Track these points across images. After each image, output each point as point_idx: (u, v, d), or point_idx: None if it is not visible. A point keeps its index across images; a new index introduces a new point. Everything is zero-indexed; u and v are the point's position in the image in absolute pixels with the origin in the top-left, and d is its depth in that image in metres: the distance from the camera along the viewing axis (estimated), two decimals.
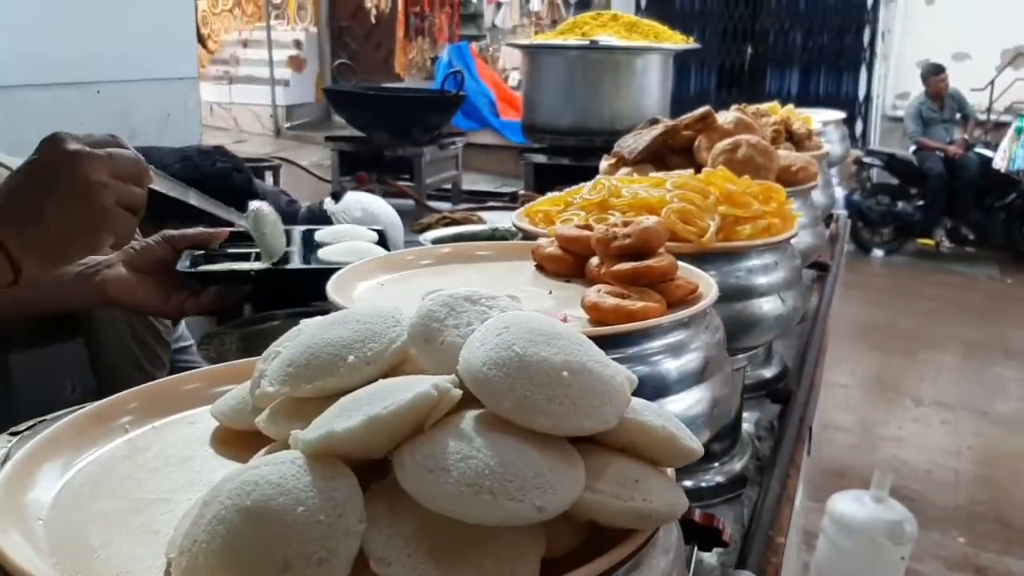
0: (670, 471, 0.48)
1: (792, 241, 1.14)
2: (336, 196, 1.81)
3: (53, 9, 2.01)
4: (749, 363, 1.44)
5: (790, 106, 2.08)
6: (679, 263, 0.85)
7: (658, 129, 1.46)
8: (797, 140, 1.70)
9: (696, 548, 0.89)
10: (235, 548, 0.37)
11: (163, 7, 2.28)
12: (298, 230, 1.35)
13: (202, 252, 1.21)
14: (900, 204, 8.09)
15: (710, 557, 0.98)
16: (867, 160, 8.30)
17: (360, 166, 2.84)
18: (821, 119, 2.36)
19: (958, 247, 8.13)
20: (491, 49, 10.65)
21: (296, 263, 1.23)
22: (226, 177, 1.76)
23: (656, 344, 0.76)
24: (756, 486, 1.11)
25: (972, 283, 7.48)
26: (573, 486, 0.40)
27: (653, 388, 0.75)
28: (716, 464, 1.16)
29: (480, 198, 2.98)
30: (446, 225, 2.06)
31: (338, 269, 0.86)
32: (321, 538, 0.37)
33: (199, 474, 0.52)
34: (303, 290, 1.18)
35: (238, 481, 0.40)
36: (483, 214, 2.32)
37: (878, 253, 8.15)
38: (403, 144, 2.80)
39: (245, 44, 12.15)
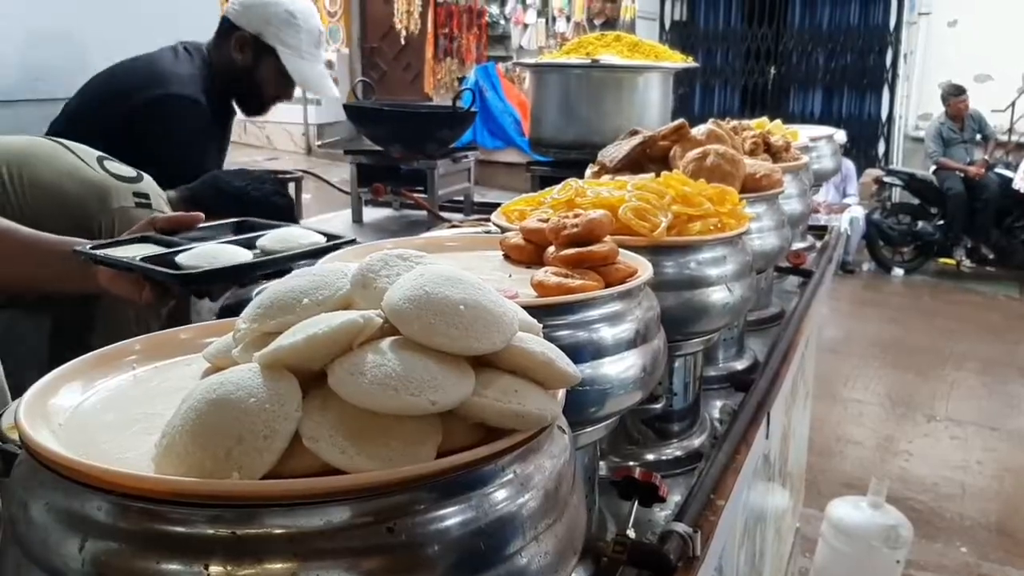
0: (559, 394, 0.60)
1: (745, 239, 1.25)
2: None
3: (81, 26, 2.16)
4: (721, 352, 1.56)
5: (778, 121, 2.20)
6: (621, 251, 0.97)
7: (637, 139, 1.58)
8: (774, 152, 1.82)
9: (637, 503, 1.01)
10: (202, 427, 0.50)
11: (189, 25, 2.43)
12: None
13: (114, 240, 1.30)
14: (920, 224, 8.14)
15: (659, 516, 1.09)
16: (887, 180, 8.37)
17: (377, 178, 2.98)
18: (812, 134, 2.47)
19: (979, 267, 8.15)
20: (517, 69, 10.82)
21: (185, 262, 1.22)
22: (271, 197, 1.94)
23: (594, 314, 0.88)
24: (708, 460, 1.22)
25: (991, 302, 7.50)
26: (462, 389, 0.52)
27: (591, 352, 0.87)
28: (675, 441, 1.27)
29: (491, 210, 3.10)
30: None
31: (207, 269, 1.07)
32: (267, 420, 0.50)
33: None
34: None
35: (207, 382, 0.52)
36: (490, 225, 2.45)
37: (898, 272, 8.19)
38: (418, 157, 2.94)
39: None
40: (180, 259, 1.20)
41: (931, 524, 3.79)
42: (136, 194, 1.65)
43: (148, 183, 1.71)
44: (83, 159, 1.66)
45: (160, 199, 1.72)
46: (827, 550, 3.09)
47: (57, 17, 2.47)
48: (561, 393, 0.60)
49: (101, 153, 1.73)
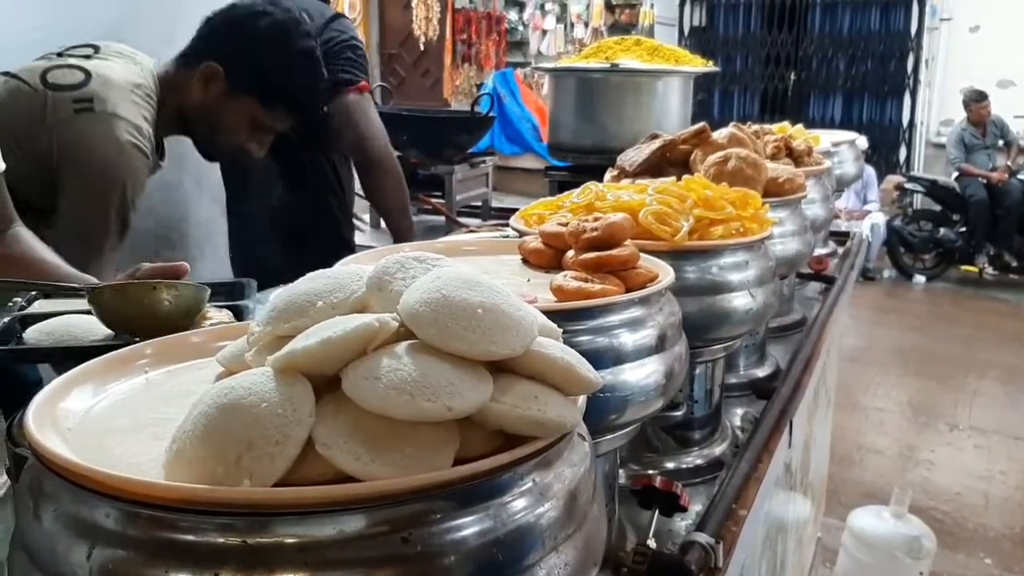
0: (580, 401, 0.58)
1: (768, 243, 1.23)
2: None
3: (113, 28, 2.16)
4: (742, 359, 1.54)
5: (799, 126, 2.17)
6: (643, 255, 0.96)
7: (657, 143, 1.56)
8: (796, 156, 1.79)
9: (658, 513, 0.99)
10: (213, 433, 0.49)
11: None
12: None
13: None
14: (942, 230, 8.06)
15: (679, 525, 1.07)
16: (909, 186, 8.30)
17: None
18: (834, 139, 2.44)
19: (1001, 274, 8.06)
20: (536, 75, 10.81)
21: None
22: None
23: (614, 319, 0.86)
24: (730, 469, 1.20)
25: (1014, 310, 7.42)
26: (480, 395, 0.51)
27: (612, 357, 0.86)
28: (696, 449, 1.25)
29: (508, 215, 3.09)
30: None
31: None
32: (279, 426, 0.48)
33: None
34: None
35: (219, 386, 0.51)
36: (508, 229, 2.43)
37: (920, 279, 8.12)
38: (435, 162, 2.94)
39: None
40: (27, 333, 1.03)
41: (953, 535, 3.73)
42: (77, 100, 1.56)
43: (97, 84, 1.59)
44: (25, 80, 1.59)
45: (120, 92, 1.60)
46: (848, 560, 3.05)
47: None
48: (581, 400, 0.59)
49: (52, 63, 1.63)
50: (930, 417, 5.12)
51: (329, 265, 0.70)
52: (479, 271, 0.59)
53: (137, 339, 0.91)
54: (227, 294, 1.18)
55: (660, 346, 0.89)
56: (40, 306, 1.11)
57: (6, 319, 1.03)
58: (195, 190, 2.81)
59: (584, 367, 0.56)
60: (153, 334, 0.92)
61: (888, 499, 3.11)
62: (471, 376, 0.51)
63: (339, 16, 2.40)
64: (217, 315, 1.05)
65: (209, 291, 1.05)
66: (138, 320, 0.98)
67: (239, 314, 1.09)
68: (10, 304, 1.08)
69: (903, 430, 4.96)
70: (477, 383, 0.51)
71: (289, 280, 0.63)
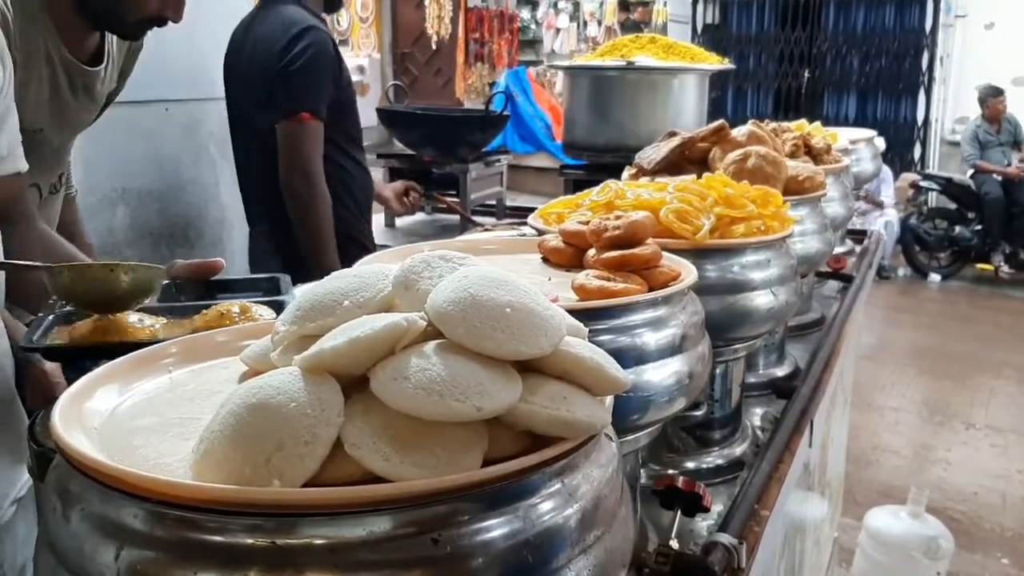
0: (607, 401, 0.58)
1: (789, 242, 1.22)
2: None
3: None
4: (761, 359, 1.53)
5: (817, 124, 2.16)
6: (665, 253, 0.95)
7: (675, 141, 1.55)
8: (815, 154, 1.78)
9: (681, 513, 0.98)
10: (241, 433, 0.48)
11: (229, 31, 2.43)
12: None
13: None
14: (957, 228, 8.01)
15: (700, 526, 1.07)
16: (924, 184, 8.25)
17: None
18: (852, 137, 2.42)
19: (1017, 272, 8.01)
20: (548, 74, 10.80)
21: None
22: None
23: (636, 319, 0.86)
24: (751, 469, 1.19)
25: None
26: (509, 395, 0.50)
27: (634, 357, 0.85)
28: (717, 449, 1.24)
29: (523, 213, 3.09)
30: None
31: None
32: (308, 426, 0.48)
33: None
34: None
35: (247, 386, 0.51)
36: (524, 228, 2.43)
37: (935, 278, 8.07)
38: (450, 161, 2.94)
39: None
40: None
41: (970, 535, 3.71)
42: None
43: None
44: None
45: None
46: (865, 560, 3.04)
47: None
48: (609, 400, 0.58)
49: None
50: (946, 416, 5.09)
51: (347, 265, 0.69)
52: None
53: (95, 315, 1.01)
54: (265, 290, 1.18)
55: (683, 346, 0.88)
56: None
57: (50, 318, 1.04)
58: (213, 189, 2.82)
59: (613, 367, 0.56)
60: (110, 311, 1.00)
61: (904, 498, 3.09)
62: (500, 376, 0.51)
63: (309, 29, 2.29)
64: (261, 311, 1.05)
65: (164, 273, 1.07)
66: (96, 298, 1.01)
67: (280, 310, 1.08)
68: (51, 302, 1.09)
69: (919, 429, 4.93)
70: (506, 383, 0.51)
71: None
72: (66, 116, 1.67)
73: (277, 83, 2.26)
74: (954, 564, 3.15)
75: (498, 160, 3.09)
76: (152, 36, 1.73)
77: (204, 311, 1.05)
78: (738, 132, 1.53)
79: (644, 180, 1.51)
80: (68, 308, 1.07)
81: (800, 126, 2.05)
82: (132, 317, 1.03)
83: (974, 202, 7.98)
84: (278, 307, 1.08)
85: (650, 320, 0.86)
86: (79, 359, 1.01)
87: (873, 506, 3.30)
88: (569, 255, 1.03)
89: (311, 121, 2.26)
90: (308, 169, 2.27)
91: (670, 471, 1.17)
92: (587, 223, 1.04)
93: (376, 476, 0.48)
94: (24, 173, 1.27)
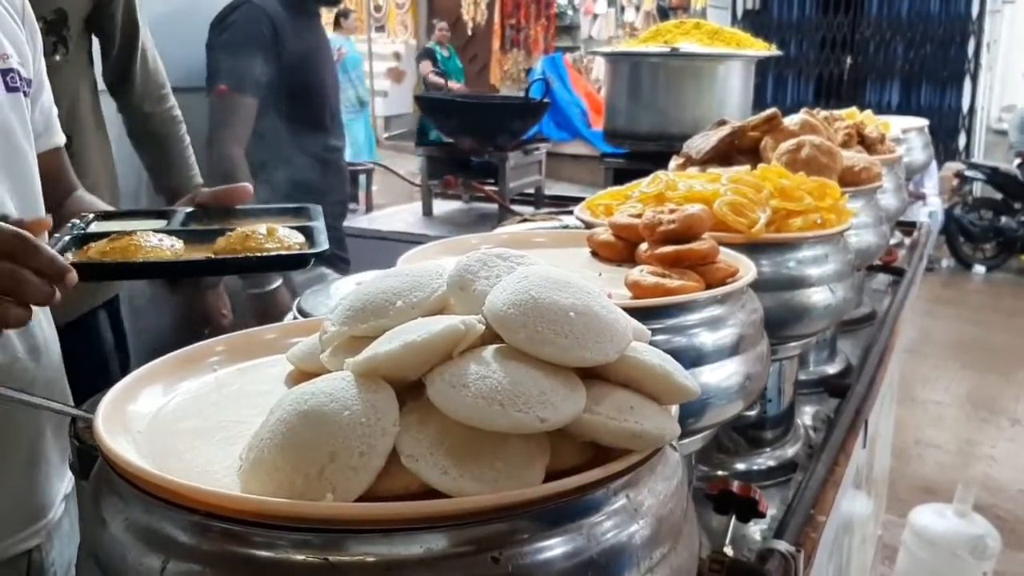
0: (673, 409, 0.55)
1: (846, 236, 1.18)
2: None
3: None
4: (812, 355, 1.49)
5: (868, 112, 2.10)
6: (722, 249, 0.91)
7: (726, 130, 1.51)
8: (869, 144, 1.73)
9: (735, 519, 0.95)
10: (293, 442, 0.46)
11: None
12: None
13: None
14: (1003, 219, 7.84)
15: (753, 531, 1.03)
16: (969, 173, 8.08)
17: (448, 171, 2.95)
18: (903, 126, 2.36)
19: None
20: (585, 60, 10.72)
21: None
22: None
23: (693, 318, 0.82)
24: (805, 471, 1.15)
25: None
26: (573, 405, 0.47)
27: (690, 358, 0.82)
28: (768, 450, 1.21)
29: (562, 203, 3.06)
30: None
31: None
32: (362, 436, 0.45)
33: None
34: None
35: (298, 392, 0.48)
36: (564, 218, 2.40)
37: (979, 269, 7.90)
38: (489, 149, 2.90)
39: None
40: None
41: (1016, 533, 3.63)
42: None
43: None
44: None
45: None
46: (909, 559, 2.98)
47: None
48: (675, 408, 0.55)
49: None
50: (990, 412, 4.98)
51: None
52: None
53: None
54: (294, 215, 1.16)
55: (742, 346, 0.85)
56: (98, 226, 1.11)
57: (66, 238, 1.02)
58: None
59: (682, 374, 0.53)
60: None
61: (947, 495, 3.03)
62: (563, 385, 0.48)
63: (241, 4, 2.29)
64: (290, 234, 1.03)
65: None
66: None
67: (310, 236, 1.06)
68: (70, 225, 1.08)
69: (962, 424, 4.83)
70: (570, 392, 0.48)
71: None
72: None
73: (208, 57, 2.32)
74: (1000, 564, 3.08)
75: (537, 148, 3.05)
76: (193, 30, 1.72)
77: (228, 233, 1.03)
78: (790, 121, 1.49)
79: (693, 170, 1.47)
80: (83, 229, 1.06)
81: (851, 114, 1.99)
82: (153, 239, 1.01)
83: (1020, 192, 7.81)
84: (308, 233, 1.06)
85: (708, 319, 0.83)
86: (104, 277, 1.00)
87: (916, 502, 3.23)
88: (620, 249, 1.00)
89: (229, 95, 2.27)
90: (215, 139, 2.27)
91: (720, 472, 1.14)
92: (639, 216, 1.00)
93: (433, 490, 0.45)
94: (62, 147, 1.26)
